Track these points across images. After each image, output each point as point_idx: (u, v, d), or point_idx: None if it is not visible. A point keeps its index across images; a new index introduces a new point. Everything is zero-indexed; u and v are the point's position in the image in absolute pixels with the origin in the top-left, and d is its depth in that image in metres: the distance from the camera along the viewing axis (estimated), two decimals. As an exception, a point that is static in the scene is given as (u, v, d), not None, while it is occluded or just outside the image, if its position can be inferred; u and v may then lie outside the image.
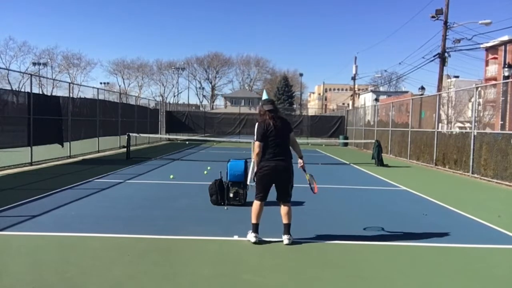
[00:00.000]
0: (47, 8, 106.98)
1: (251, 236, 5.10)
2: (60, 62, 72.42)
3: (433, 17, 21.82)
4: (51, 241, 5.10)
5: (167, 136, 28.88)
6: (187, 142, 26.91)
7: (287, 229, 5.16)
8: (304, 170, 5.48)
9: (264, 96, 5.47)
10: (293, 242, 5.13)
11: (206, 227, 5.83)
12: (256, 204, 5.18)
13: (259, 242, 5.08)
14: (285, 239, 5.13)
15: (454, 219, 6.95)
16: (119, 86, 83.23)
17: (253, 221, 5.14)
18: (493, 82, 31.16)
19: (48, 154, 13.78)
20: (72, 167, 12.63)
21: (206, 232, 5.56)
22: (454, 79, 46.89)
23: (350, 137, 28.66)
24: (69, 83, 17.86)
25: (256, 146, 5.14)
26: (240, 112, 33.65)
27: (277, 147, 5.10)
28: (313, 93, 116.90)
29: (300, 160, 5.39)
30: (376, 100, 36.09)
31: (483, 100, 22.38)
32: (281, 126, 5.16)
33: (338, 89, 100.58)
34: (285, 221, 5.18)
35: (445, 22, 21.76)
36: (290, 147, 5.31)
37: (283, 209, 5.19)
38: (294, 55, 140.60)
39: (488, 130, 15.57)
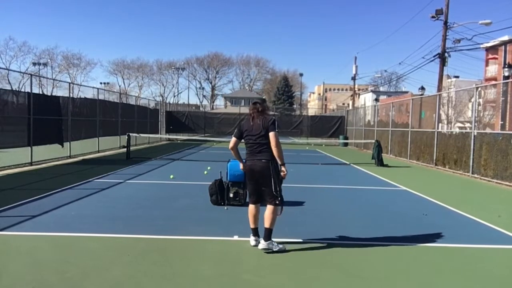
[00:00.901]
0: (47, 8, 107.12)
1: (251, 239, 5.06)
2: (60, 62, 72.45)
3: (433, 17, 21.82)
4: (51, 241, 5.10)
5: (167, 136, 28.89)
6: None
7: (265, 233, 4.83)
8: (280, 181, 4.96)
9: None
10: (292, 242, 5.11)
11: (206, 227, 5.83)
12: (249, 207, 5.09)
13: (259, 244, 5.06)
14: (261, 243, 4.86)
15: (454, 219, 6.94)
16: (119, 86, 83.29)
17: (250, 225, 5.07)
18: (493, 82, 31.17)
19: (48, 154, 13.77)
20: (72, 167, 12.63)
21: (206, 232, 5.55)
22: (454, 79, 46.93)
23: (350, 137, 28.66)
24: (69, 83, 17.86)
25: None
26: (240, 112, 33.67)
27: (253, 146, 4.96)
28: (313, 93, 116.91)
29: (282, 168, 4.89)
30: (376, 100, 36.11)
31: (483, 100, 22.40)
32: (257, 124, 4.92)
33: (338, 89, 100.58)
34: (264, 224, 4.86)
35: (445, 22, 21.76)
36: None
37: (266, 209, 4.92)
38: (294, 55, 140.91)
39: (488, 130, 15.57)
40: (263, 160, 4.87)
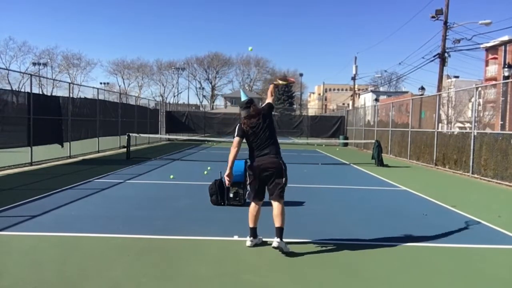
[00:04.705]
0: (47, 8, 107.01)
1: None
2: (60, 62, 72.33)
3: (433, 17, 21.82)
4: (51, 241, 5.10)
5: (167, 136, 28.89)
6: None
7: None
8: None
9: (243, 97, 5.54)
10: (292, 242, 5.10)
11: (206, 227, 5.83)
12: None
13: (261, 244, 5.07)
14: (275, 241, 4.85)
15: (454, 219, 6.94)
16: (119, 86, 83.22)
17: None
18: (493, 82, 31.17)
19: (48, 154, 13.77)
20: (72, 167, 12.63)
21: (206, 232, 5.56)
22: (454, 79, 46.91)
23: (350, 137, 28.66)
24: (69, 83, 17.85)
25: None
26: (240, 112, 33.61)
27: None
28: (313, 93, 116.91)
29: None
30: (376, 100, 36.13)
31: (483, 100, 22.36)
32: None
33: (338, 89, 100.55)
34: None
35: (445, 22, 21.76)
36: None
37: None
38: (294, 55, 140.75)
39: (488, 130, 15.56)
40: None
